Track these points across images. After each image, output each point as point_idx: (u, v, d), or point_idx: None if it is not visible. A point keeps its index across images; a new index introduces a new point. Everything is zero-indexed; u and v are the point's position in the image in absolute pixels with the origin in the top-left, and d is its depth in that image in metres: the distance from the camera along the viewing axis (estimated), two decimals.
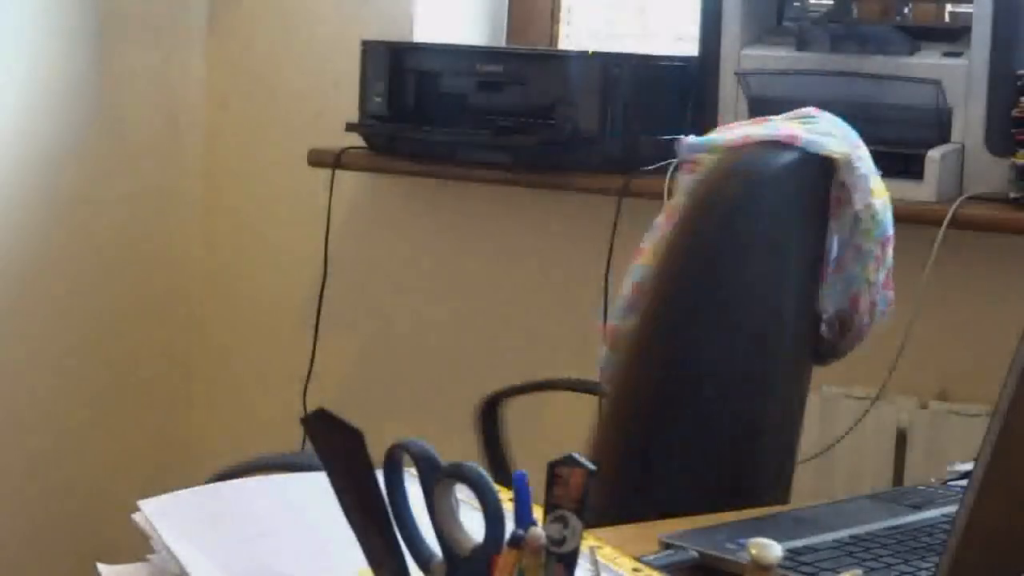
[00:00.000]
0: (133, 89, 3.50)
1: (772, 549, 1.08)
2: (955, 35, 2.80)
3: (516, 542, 1.05)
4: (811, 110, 2.10)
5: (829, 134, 2.04)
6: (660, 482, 1.92)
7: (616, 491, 1.81)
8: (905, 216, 2.75)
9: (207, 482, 1.82)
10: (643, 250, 2.02)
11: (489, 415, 2.60)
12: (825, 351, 2.13)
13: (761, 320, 2.03)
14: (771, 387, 2.08)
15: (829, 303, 2.08)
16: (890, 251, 2.12)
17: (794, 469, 2.21)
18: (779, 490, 2.10)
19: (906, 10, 2.95)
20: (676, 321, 1.96)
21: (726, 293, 1.98)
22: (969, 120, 2.73)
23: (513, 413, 2.64)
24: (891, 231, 2.12)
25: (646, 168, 2.95)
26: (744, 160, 2.00)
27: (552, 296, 3.26)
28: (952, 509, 1.60)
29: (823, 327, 2.10)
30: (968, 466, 1.81)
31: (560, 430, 2.54)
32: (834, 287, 2.08)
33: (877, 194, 2.07)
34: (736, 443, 2.01)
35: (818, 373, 2.94)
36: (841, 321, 2.09)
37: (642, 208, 3.01)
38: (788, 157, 2.00)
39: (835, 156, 2.02)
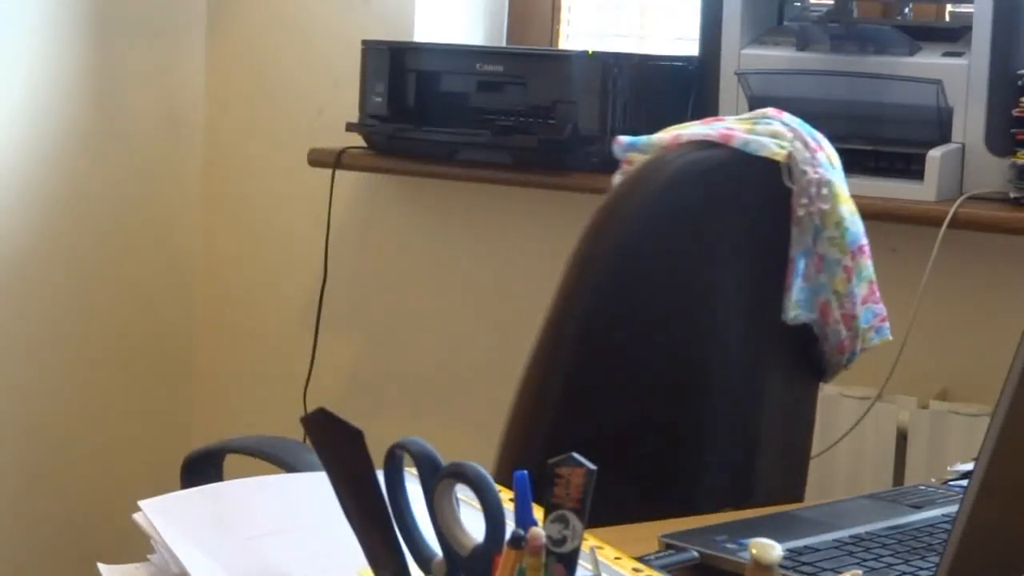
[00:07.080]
0: (133, 89, 3.50)
1: (772, 549, 1.08)
2: (955, 35, 2.80)
3: (517, 542, 1.05)
4: (769, 111, 2.03)
5: (777, 136, 1.97)
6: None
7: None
8: (905, 216, 2.77)
9: (182, 466, 1.80)
10: None
11: None
12: (815, 363, 2.07)
13: (682, 321, 1.97)
14: (699, 391, 2.00)
15: (801, 311, 2.01)
16: (865, 262, 2.04)
17: (794, 474, 2.16)
18: (738, 495, 2.00)
19: (906, 10, 2.95)
20: (585, 317, 1.93)
21: (640, 293, 1.94)
22: (969, 120, 2.73)
23: None
24: (863, 241, 2.03)
25: None
26: (665, 159, 1.95)
27: (552, 296, 3.26)
28: (952, 509, 1.61)
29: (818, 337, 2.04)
30: (968, 466, 1.81)
31: None
32: (802, 296, 2.01)
33: (843, 200, 2.00)
34: (659, 450, 1.95)
35: None
36: (816, 332, 2.04)
37: None
38: (717, 157, 1.94)
39: (775, 158, 1.96)
